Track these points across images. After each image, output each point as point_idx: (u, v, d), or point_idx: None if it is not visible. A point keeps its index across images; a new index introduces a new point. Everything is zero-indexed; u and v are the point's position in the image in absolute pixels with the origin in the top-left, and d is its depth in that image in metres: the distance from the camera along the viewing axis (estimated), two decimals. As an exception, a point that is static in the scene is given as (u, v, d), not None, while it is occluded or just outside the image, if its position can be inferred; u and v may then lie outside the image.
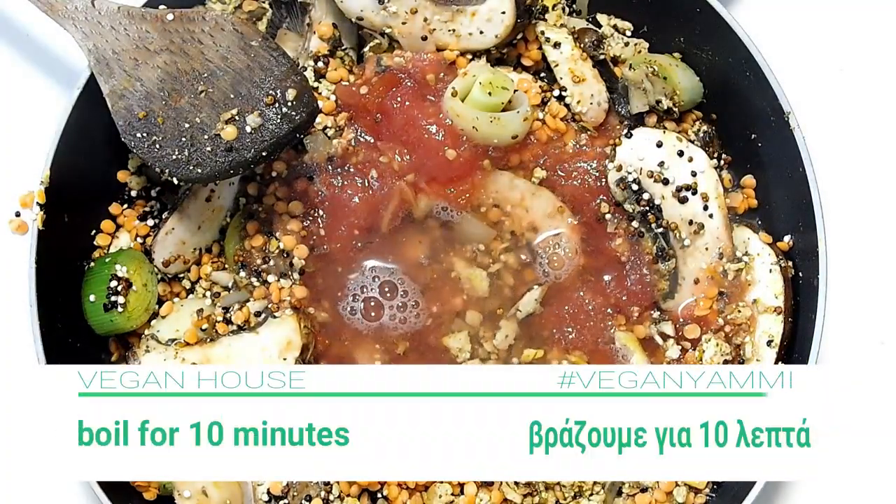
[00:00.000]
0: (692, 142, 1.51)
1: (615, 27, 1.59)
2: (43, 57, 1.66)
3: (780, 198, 1.52)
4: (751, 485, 1.36)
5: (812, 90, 1.61)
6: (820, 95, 1.64)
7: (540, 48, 1.54)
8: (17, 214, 1.52)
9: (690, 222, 1.48)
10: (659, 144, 1.48)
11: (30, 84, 1.66)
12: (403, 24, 1.47)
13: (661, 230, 1.50)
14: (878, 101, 1.68)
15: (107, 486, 1.37)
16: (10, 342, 1.52)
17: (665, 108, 1.50)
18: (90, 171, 1.48)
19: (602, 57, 1.53)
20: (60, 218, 1.43)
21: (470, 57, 1.51)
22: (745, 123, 1.53)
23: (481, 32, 1.48)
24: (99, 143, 1.45)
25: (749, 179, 1.57)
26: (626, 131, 1.51)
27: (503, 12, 1.46)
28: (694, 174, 1.47)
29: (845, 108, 1.67)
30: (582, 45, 1.52)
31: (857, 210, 1.63)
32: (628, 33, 1.60)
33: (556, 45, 1.51)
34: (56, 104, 1.45)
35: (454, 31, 1.48)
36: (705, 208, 1.47)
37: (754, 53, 1.46)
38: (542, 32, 1.52)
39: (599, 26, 1.59)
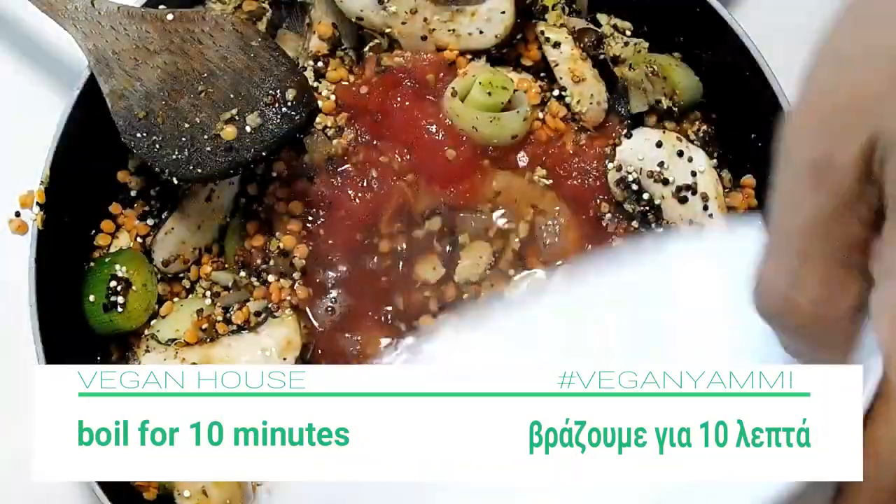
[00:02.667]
0: (692, 142, 1.51)
1: (615, 27, 1.59)
2: (43, 57, 1.66)
3: (780, 199, 1.52)
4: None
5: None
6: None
7: (539, 48, 1.54)
8: (17, 214, 1.52)
9: (690, 222, 1.48)
10: (659, 144, 1.48)
11: (30, 84, 1.66)
12: (403, 24, 1.47)
13: (661, 230, 1.50)
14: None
15: (107, 486, 1.37)
16: (10, 342, 1.52)
17: (665, 107, 1.50)
18: (90, 171, 1.48)
19: (602, 57, 1.54)
20: (60, 218, 1.43)
21: (469, 57, 1.51)
22: (746, 123, 1.53)
23: (481, 32, 1.48)
24: (99, 143, 1.45)
25: (749, 179, 1.57)
26: (625, 131, 1.51)
27: (503, 12, 1.46)
28: (694, 174, 1.47)
29: (845, 108, 1.67)
30: (582, 45, 1.52)
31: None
32: (628, 33, 1.60)
33: (556, 44, 1.51)
34: (56, 104, 1.45)
35: (454, 30, 1.48)
36: (705, 208, 1.47)
37: (754, 53, 1.46)
38: (542, 32, 1.52)
39: (599, 26, 1.59)
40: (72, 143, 1.42)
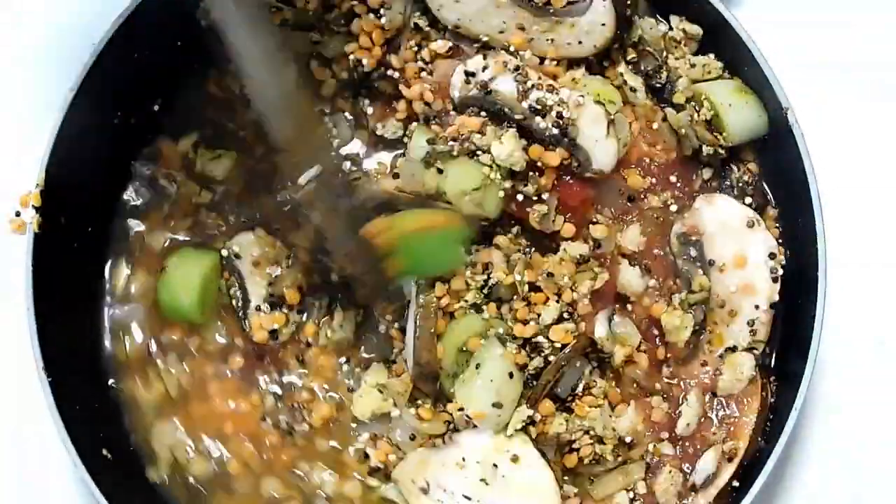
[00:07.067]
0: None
1: (684, 31, 1.51)
2: (43, 56, 1.65)
3: (779, 197, 1.51)
4: (750, 484, 1.36)
5: (812, 90, 1.59)
6: (820, 95, 1.62)
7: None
8: (17, 214, 1.51)
9: (731, 313, 1.44)
10: (730, 217, 1.43)
11: (30, 83, 1.65)
12: (501, 32, 1.41)
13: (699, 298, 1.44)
14: (878, 101, 1.67)
15: (106, 487, 1.36)
16: (9, 343, 1.51)
17: (706, 155, 1.45)
18: (89, 170, 1.47)
19: (658, 85, 1.48)
20: (58, 219, 1.41)
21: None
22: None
23: (580, 42, 1.41)
24: (98, 143, 1.45)
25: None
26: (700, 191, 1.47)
27: (603, 24, 1.40)
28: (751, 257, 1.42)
29: (846, 108, 1.66)
30: (640, 72, 1.47)
31: (857, 210, 1.62)
32: (694, 45, 1.52)
33: (633, 89, 1.46)
34: (55, 104, 1.44)
35: (552, 40, 1.43)
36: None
37: (754, 52, 1.45)
38: (621, 74, 1.46)
39: (671, 28, 1.51)
40: (69, 143, 1.40)
